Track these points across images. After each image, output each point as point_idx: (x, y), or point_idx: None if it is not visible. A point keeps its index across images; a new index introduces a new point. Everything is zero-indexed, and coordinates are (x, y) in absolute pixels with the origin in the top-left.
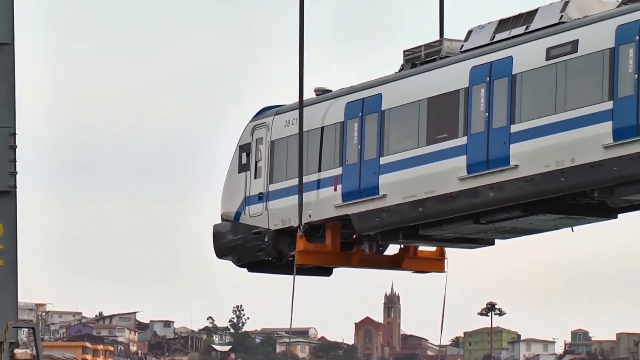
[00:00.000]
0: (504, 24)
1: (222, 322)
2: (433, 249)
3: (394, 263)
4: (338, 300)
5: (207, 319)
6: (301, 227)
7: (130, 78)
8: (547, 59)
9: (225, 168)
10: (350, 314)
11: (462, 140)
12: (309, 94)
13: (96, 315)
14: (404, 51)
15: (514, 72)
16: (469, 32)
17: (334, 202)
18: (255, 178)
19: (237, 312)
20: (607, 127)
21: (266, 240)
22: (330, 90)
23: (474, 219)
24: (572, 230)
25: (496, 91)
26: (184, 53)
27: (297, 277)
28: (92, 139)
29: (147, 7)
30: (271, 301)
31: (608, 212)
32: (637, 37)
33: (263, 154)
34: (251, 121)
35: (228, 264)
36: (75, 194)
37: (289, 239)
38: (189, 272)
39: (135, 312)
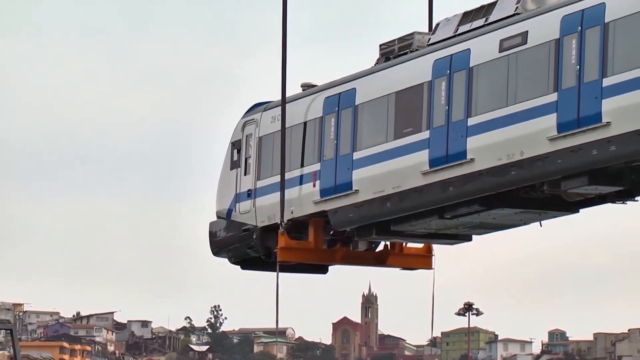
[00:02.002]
0: (467, 16)
1: (200, 322)
2: (420, 245)
3: (379, 260)
4: (315, 300)
5: (185, 319)
6: (282, 223)
7: (123, 74)
8: (500, 51)
9: (211, 166)
10: (327, 314)
11: (425, 134)
12: (297, 89)
13: (74, 315)
14: (380, 45)
15: (471, 65)
16: (437, 25)
17: (312, 198)
18: (245, 175)
19: (215, 312)
20: (552, 119)
21: (254, 237)
22: (316, 85)
23: (439, 214)
24: (541, 225)
25: (455, 84)
26: (177, 50)
27: (290, 275)
28: (71, 137)
29: (136, 5)
30: (249, 301)
31: (569, 206)
32: (580, 28)
33: (252, 151)
34: (242, 117)
35: (204, 264)
36: (51, 192)
37: (275, 236)
38: (167, 271)
39: (112, 312)
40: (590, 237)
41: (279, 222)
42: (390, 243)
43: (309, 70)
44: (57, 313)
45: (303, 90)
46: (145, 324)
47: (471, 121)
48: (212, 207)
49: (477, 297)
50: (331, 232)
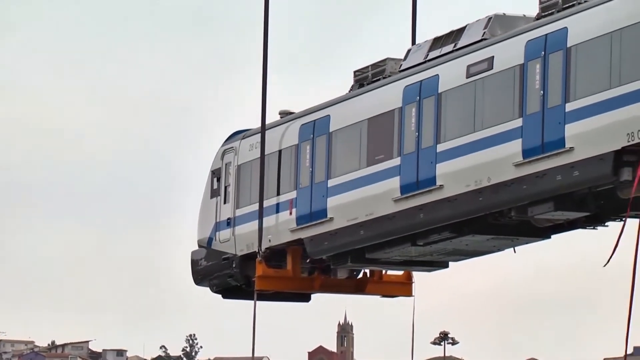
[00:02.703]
0: (437, 41)
1: (175, 351)
2: (400, 272)
3: (358, 288)
4: (291, 329)
5: (160, 347)
6: (260, 252)
7: (100, 103)
8: (467, 77)
9: (190, 194)
10: (303, 343)
11: (396, 161)
12: (275, 117)
13: (49, 344)
14: (355, 71)
15: (439, 91)
16: (408, 51)
17: (289, 226)
18: (224, 203)
19: (190, 341)
20: (517, 145)
21: (234, 266)
22: (294, 113)
23: (411, 241)
24: (515, 252)
25: (425, 110)
26: (156, 78)
27: (274, 303)
28: (46, 164)
29: (112, 34)
30: (225, 329)
31: (541, 232)
32: (543, 52)
33: (231, 179)
34: (222, 146)
35: (181, 292)
36: (25, 220)
37: (255, 264)
38: (143, 300)
39: (87, 341)
40: (565, 264)
41: (257, 251)
42: (370, 270)
43: (287, 98)
44: (32, 342)
45: (281, 117)
46: (120, 353)
47: (440, 147)
48: (189, 236)
49: (453, 325)
50: (307, 261)
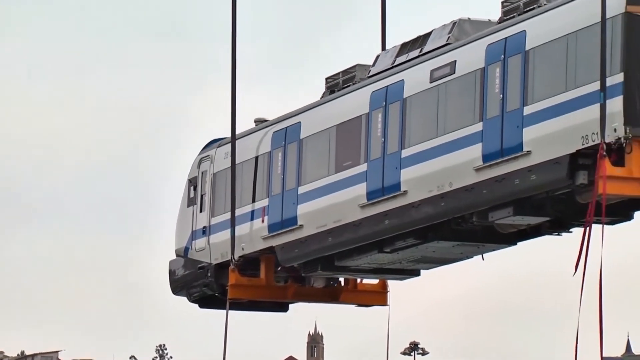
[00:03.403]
0: (404, 47)
1: None
2: (375, 281)
3: (332, 296)
4: (260, 339)
5: (130, 358)
6: (233, 260)
7: (74, 112)
8: (430, 82)
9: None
10: (272, 353)
11: (363, 167)
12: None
13: (18, 355)
14: (326, 78)
15: (404, 96)
16: (377, 57)
17: (261, 234)
18: (200, 212)
19: (160, 351)
20: (477, 149)
21: (209, 275)
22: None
23: (378, 248)
24: (483, 259)
25: (390, 116)
26: (128, 86)
27: (250, 312)
28: (19, 172)
29: (83, 43)
30: (196, 339)
31: (506, 238)
32: (503, 56)
33: (207, 187)
34: (199, 154)
35: (153, 302)
36: None
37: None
38: (113, 309)
39: (57, 351)
40: (536, 271)
41: (230, 259)
42: (345, 279)
43: (266, 105)
44: (2, 352)
45: (256, 125)
46: None
47: (405, 153)
48: (164, 245)
49: (423, 335)
50: (279, 269)
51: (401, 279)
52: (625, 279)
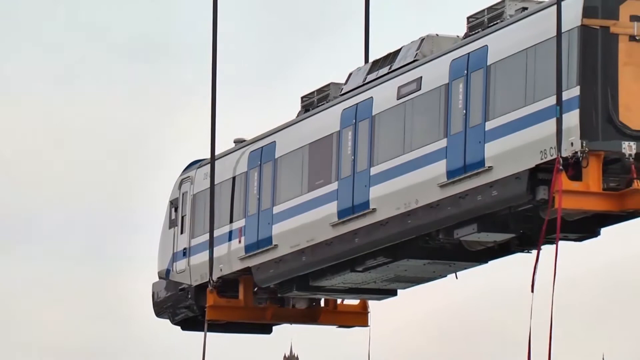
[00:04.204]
0: (375, 64)
1: None
2: (356, 302)
3: (311, 317)
4: None
5: None
6: (211, 281)
7: (51, 133)
8: (397, 98)
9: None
10: None
11: (334, 186)
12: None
13: None
14: (302, 97)
15: (373, 113)
16: (349, 75)
17: (238, 254)
18: (181, 233)
19: None
20: (442, 166)
21: (189, 296)
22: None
23: (350, 268)
24: (457, 277)
25: (360, 133)
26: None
27: (235, 335)
28: None
29: (60, 63)
30: None
31: (477, 256)
32: (466, 72)
33: (187, 209)
34: (180, 175)
35: (130, 325)
36: None
37: None
38: (90, 334)
39: None
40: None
41: (209, 280)
42: (325, 300)
43: (246, 126)
44: None
45: (236, 145)
46: None
47: (373, 170)
48: (142, 268)
49: (400, 355)
50: (255, 289)
51: (378, 299)
52: (601, 300)
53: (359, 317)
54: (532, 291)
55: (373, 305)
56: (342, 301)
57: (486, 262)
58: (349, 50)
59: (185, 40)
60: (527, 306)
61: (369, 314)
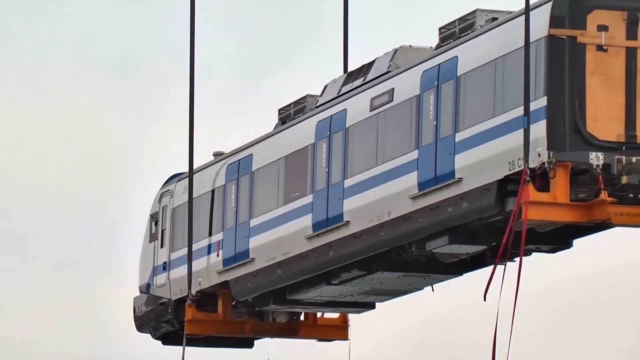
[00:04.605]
0: (350, 76)
1: None
2: (336, 315)
3: (291, 331)
4: None
5: None
6: (190, 295)
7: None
8: (370, 110)
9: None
10: None
11: (309, 199)
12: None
13: None
14: (279, 110)
15: (347, 125)
16: (325, 87)
17: (216, 268)
18: (161, 247)
19: None
20: (413, 178)
21: (169, 311)
22: None
23: (326, 281)
24: (433, 290)
25: (334, 145)
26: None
27: (218, 349)
28: None
29: (38, 76)
30: None
31: (453, 269)
32: (437, 83)
33: (167, 222)
34: (160, 189)
35: (108, 341)
36: None
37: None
38: (75, 350)
39: None
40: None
41: (187, 294)
42: (304, 313)
43: (226, 139)
44: None
45: (215, 158)
46: None
47: (347, 183)
48: (123, 283)
49: None
50: (233, 303)
51: (357, 312)
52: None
53: (339, 331)
54: (484, 299)
55: (353, 318)
56: (322, 315)
57: (461, 274)
58: (328, 61)
59: (163, 53)
60: (506, 318)
61: (349, 327)
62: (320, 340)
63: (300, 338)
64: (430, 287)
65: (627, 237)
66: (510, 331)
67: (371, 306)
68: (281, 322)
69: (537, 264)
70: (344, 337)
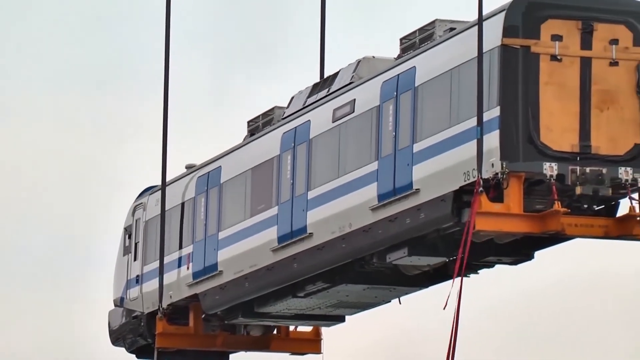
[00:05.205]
0: (315, 87)
1: None
2: (309, 329)
3: (263, 345)
4: None
5: None
6: (161, 309)
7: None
8: (333, 121)
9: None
10: None
11: (274, 211)
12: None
13: None
14: (248, 122)
15: (310, 137)
16: (292, 98)
17: (187, 281)
18: (135, 260)
19: None
20: (373, 189)
21: (142, 324)
22: None
23: (292, 293)
24: (400, 303)
25: (298, 157)
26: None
27: None
28: None
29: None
30: None
31: (417, 281)
32: (395, 93)
33: (140, 235)
34: (134, 202)
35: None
36: None
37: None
38: None
39: None
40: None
41: (158, 307)
42: (277, 326)
43: (200, 151)
44: None
45: (187, 171)
46: None
47: (311, 194)
48: (99, 296)
49: None
50: (203, 316)
51: (327, 325)
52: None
53: (311, 344)
54: (445, 308)
55: (326, 332)
56: (296, 328)
57: (427, 286)
58: (301, 73)
59: (136, 68)
60: (476, 330)
61: (321, 340)
62: (293, 354)
63: (273, 352)
64: (397, 299)
65: (589, 248)
66: (451, 346)
67: (341, 319)
68: (254, 336)
69: (500, 275)
70: (317, 350)
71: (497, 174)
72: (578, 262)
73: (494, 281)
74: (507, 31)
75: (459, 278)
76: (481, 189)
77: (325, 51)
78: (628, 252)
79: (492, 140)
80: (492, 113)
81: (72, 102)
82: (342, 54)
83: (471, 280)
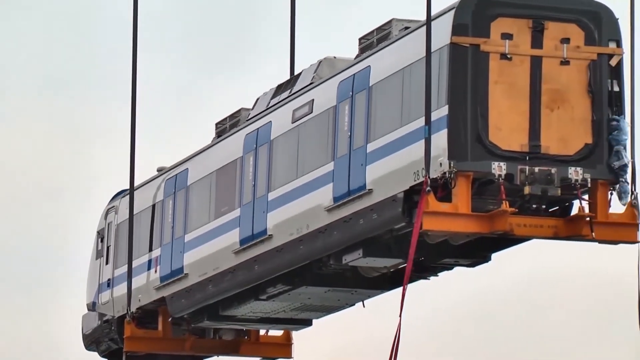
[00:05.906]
0: (279, 88)
1: None
2: (279, 333)
3: (232, 349)
4: None
5: None
6: (129, 312)
7: None
8: (292, 122)
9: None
10: None
11: (237, 213)
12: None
13: None
14: (216, 124)
15: (271, 138)
16: (257, 100)
17: (154, 284)
18: (106, 264)
19: None
20: (329, 190)
21: (113, 328)
22: None
23: (254, 296)
24: (364, 306)
25: (260, 159)
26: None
27: None
28: None
29: None
30: None
31: (380, 284)
32: (351, 93)
33: (112, 239)
34: (107, 205)
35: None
36: None
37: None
38: None
39: None
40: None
41: (126, 311)
42: (247, 331)
43: (171, 154)
44: None
45: (158, 173)
46: None
47: (271, 196)
48: (73, 301)
49: None
50: (169, 320)
51: (294, 329)
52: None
53: (282, 349)
54: (400, 316)
55: (297, 336)
56: (267, 332)
57: (389, 289)
58: (269, 75)
59: (104, 71)
60: (442, 333)
61: (292, 345)
62: (263, 358)
63: (243, 356)
64: (361, 303)
65: (546, 249)
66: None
67: (308, 323)
68: (223, 340)
69: (457, 278)
70: (288, 355)
71: (445, 173)
72: (536, 262)
73: (453, 283)
74: (457, 29)
75: (407, 278)
76: (429, 188)
77: (296, 52)
78: (581, 252)
79: (440, 139)
80: (441, 112)
81: (45, 107)
82: (310, 55)
83: (431, 283)
